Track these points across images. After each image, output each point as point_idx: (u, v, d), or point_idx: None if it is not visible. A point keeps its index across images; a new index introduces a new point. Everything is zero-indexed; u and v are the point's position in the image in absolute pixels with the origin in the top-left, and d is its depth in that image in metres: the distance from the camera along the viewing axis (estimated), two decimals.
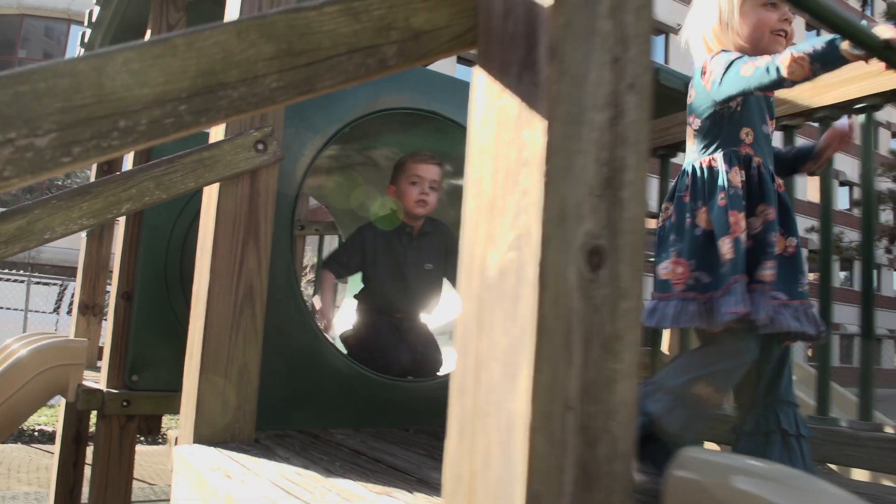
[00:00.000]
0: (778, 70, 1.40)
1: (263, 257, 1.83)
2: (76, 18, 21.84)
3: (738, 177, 1.55)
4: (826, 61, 1.37)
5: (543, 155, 0.71)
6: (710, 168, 1.59)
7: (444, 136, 2.65)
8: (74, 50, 4.28)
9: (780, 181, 1.62)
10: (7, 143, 0.62)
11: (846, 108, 1.93)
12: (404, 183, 2.62)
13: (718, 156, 1.59)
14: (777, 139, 1.89)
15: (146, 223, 2.85)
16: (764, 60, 1.45)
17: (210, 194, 1.82)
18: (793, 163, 1.81)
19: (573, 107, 0.73)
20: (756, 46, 1.62)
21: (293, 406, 2.03)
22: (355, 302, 2.70)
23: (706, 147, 1.63)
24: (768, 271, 1.49)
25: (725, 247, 1.48)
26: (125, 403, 2.85)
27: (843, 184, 35.94)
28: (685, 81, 4.72)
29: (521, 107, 0.75)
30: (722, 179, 1.55)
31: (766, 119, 1.65)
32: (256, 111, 0.73)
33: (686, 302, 1.51)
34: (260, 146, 1.79)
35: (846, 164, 35.85)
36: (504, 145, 0.77)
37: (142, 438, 6.75)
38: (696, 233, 1.55)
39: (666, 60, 29.71)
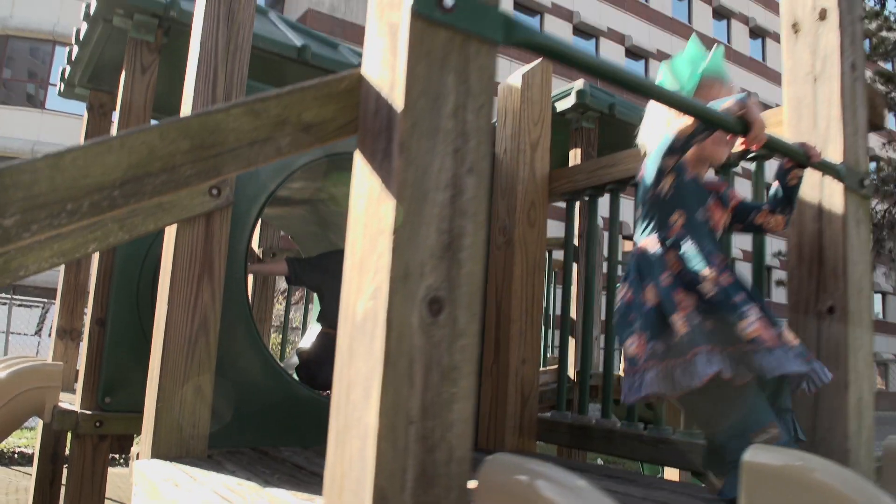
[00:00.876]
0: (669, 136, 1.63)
1: (217, 291, 2.04)
2: (61, 40, 22.04)
3: (673, 257, 1.70)
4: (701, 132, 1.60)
5: (392, 227, 0.94)
6: (650, 251, 1.73)
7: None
8: (58, 71, 4.49)
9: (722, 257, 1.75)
10: None
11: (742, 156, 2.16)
12: None
13: (654, 238, 1.75)
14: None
15: (119, 253, 3.04)
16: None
17: (169, 234, 2.04)
18: (770, 213, 1.86)
19: (418, 190, 0.96)
20: (701, 153, 1.78)
21: (246, 425, 2.24)
22: (318, 326, 2.90)
23: (645, 229, 1.78)
24: (748, 330, 1.56)
25: (678, 324, 1.61)
26: (98, 424, 3.02)
27: None
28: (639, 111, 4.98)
29: (381, 187, 0.98)
30: (661, 261, 1.69)
31: (708, 205, 1.79)
32: (174, 192, 0.96)
33: (647, 371, 1.64)
34: (214, 191, 2.01)
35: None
36: (370, 217, 1.00)
37: (119, 460, 6.87)
38: (646, 309, 1.68)
39: None
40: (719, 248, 1.80)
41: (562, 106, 4.95)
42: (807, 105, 1.86)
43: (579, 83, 5.32)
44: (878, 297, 37.29)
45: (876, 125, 1.97)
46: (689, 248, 1.69)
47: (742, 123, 1.58)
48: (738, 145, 1.75)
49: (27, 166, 0.87)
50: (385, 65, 1.02)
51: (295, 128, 1.04)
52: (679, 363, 1.58)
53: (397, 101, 0.98)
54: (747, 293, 1.62)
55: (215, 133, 0.98)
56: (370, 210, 1.00)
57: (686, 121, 1.61)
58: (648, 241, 1.76)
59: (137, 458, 1.99)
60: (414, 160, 0.96)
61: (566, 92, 5.06)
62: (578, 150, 4.97)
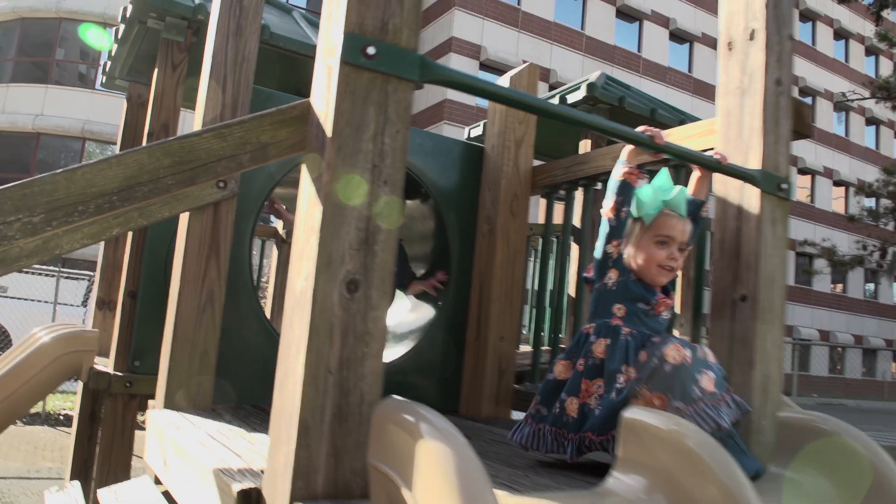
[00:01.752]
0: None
1: (222, 269, 2.37)
2: (111, 22, 22.76)
3: (600, 346, 1.89)
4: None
5: (319, 226, 1.24)
6: (587, 335, 1.97)
7: None
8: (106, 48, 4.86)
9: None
10: (17, 220, 1.16)
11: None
12: None
13: (592, 326, 1.97)
14: None
15: (149, 233, 3.40)
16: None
17: (182, 221, 2.37)
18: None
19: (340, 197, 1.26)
20: (644, 275, 1.96)
21: (247, 385, 2.57)
22: None
23: (591, 316, 2.02)
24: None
25: (571, 406, 1.88)
26: (128, 384, 3.40)
27: (837, 183, 35.12)
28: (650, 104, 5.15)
29: (315, 195, 1.28)
30: (587, 348, 1.93)
31: (648, 301, 1.94)
32: (158, 197, 1.27)
33: (528, 425, 1.96)
34: (221, 184, 2.33)
35: (841, 163, 35.07)
36: (307, 217, 1.30)
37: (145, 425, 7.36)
38: (550, 377, 1.97)
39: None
40: (658, 327, 1.98)
41: (573, 98, 5.16)
42: (735, 116, 2.09)
43: (593, 75, 5.53)
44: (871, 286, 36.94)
45: (802, 134, 2.20)
46: (627, 336, 1.89)
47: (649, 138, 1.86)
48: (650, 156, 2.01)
49: (49, 178, 1.19)
50: (322, 99, 1.32)
51: (254, 147, 1.35)
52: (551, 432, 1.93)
53: (328, 129, 1.28)
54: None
55: (191, 152, 1.29)
56: (308, 212, 1.30)
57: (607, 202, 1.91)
58: (589, 328, 1.98)
59: (152, 408, 2.34)
60: (338, 175, 1.26)
61: (577, 85, 5.27)
62: (589, 142, 5.18)
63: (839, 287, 34.64)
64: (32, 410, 8.38)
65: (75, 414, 4.56)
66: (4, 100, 22.85)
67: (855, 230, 15.27)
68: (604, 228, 1.99)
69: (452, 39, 23.59)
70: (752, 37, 2.09)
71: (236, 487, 1.36)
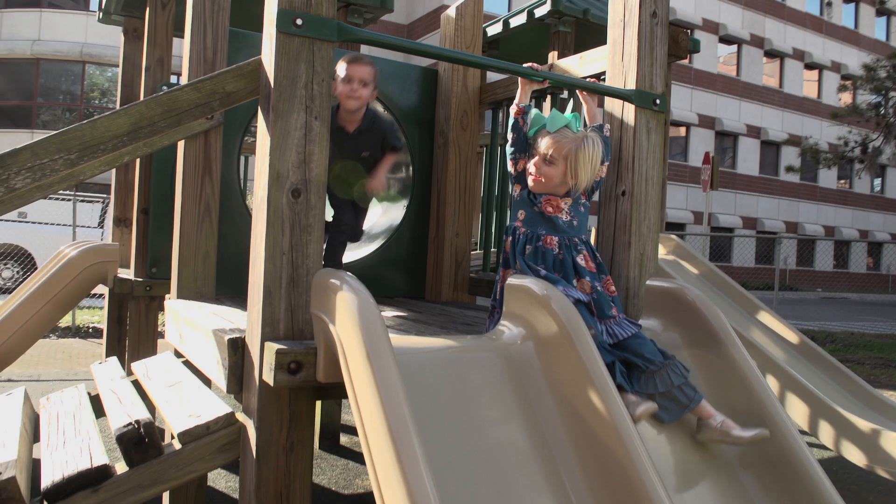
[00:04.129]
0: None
1: (216, 185, 2.92)
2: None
3: (507, 244, 2.35)
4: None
5: (268, 150, 1.77)
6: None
7: None
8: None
9: (585, 254, 2.30)
10: (59, 158, 1.71)
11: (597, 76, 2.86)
12: (337, 83, 2.86)
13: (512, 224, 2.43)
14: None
15: (156, 158, 3.91)
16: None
17: (180, 147, 2.90)
18: None
19: (283, 130, 1.79)
20: (535, 187, 2.33)
21: (244, 276, 3.15)
22: None
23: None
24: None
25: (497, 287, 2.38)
26: (148, 288, 4.01)
27: (809, 66, 33.47)
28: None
29: (265, 129, 1.81)
30: (503, 248, 2.41)
31: (535, 204, 2.33)
32: (154, 136, 1.80)
33: (491, 322, 2.33)
34: (209, 117, 2.84)
35: (815, 45, 33.11)
36: (262, 144, 1.83)
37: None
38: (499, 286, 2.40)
39: None
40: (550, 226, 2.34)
41: (539, 12, 5.51)
42: (618, 45, 2.56)
43: None
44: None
45: (679, 56, 2.66)
46: (523, 236, 2.34)
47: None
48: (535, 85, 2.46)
49: (78, 127, 1.73)
50: (268, 58, 1.83)
51: (221, 95, 1.87)
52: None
53: (272, 80, 1.79)
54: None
55: (175, 102, 1.82)
56: (261, 141, 1.84)
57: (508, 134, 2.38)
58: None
59: (168, 299, 2.94)
60: (280, 114, 1.79)
61: (542, 0, 5.62)
62: (555, 53, 5.56)
63: (845, 182, 34.68)
64: (63, 324, 9.16)
65: (104, 318, 5.22)
66: (0, 27, 22.90)
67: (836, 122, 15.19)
68: (507, 152, 2.45)
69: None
70: None
71: (227, 337, 1.96)
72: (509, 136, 2.43)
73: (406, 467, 1.32)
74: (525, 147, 2.41)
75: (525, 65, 2.39)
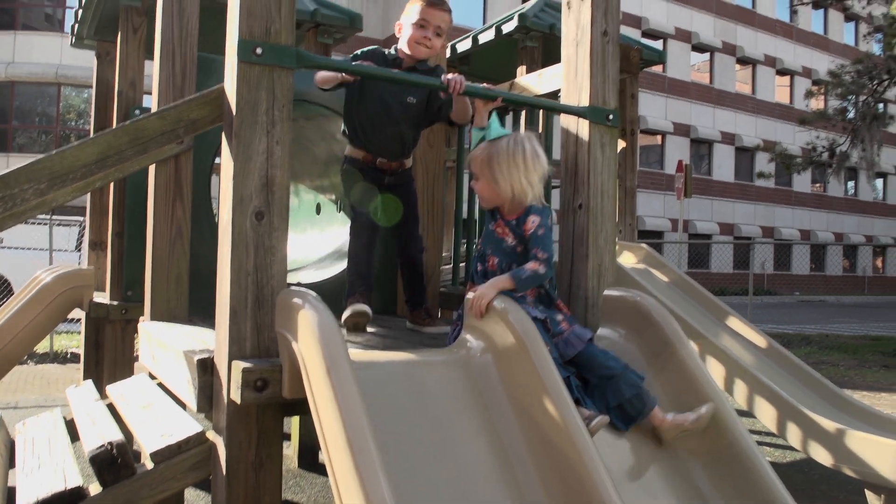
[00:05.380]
0: None
1: (187, 207, 2.97)
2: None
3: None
4: None
5: (232, 174, 1.84)
6: None
7: (308, 112, 3.68)
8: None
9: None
10: (30, 188, 1.76)
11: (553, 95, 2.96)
12: (410, 24, 2.63)
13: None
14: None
15: (129, 182, 3.95)
16: None
17: (151, 171, 2.96)
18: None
19: (246, 154, 1.86)
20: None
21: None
22: None
23: None
24: None
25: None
26: (124, 311, 4.04)
27: (781, 73, 34.05)
28: None
29: (229, 154, 1.88)
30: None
31: (496, 222, 2.33)
32: (122, 165, 1.86)
33: (455, 329, 2.31)
34: (179, 141, 2.90)
35: (786, 51, 33.54)
36: (227, 168, 1.90)
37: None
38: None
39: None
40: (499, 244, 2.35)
41: (507, 28, 5.64)
42: (572, 63, 2.66)
43: (527, 6, 5.98)
44: (880, 181, 37.21)
45: (631, 72, 2.77)
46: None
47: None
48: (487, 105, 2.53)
49: (47, 157, 1.79)
50: (230, 86, 1.91)
51: (186, 122, 1.94)
52: None
53: (234, 107, 1.86)
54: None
55: (142, 131, 1.88)
56: (226, 165, 1.91)
57: None
58: None
59: (142, 321, 2.99)
60: (243, 140, 1.86)
61: (510, 16, 5.74)
62: (523, 67, 5.67)
63: (819, 186, 35.22)
64: (41, 350, 9.10)
65: (81, 342, 5.22)
66: None
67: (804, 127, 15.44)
68: None
69: None
70: None
71: (197, 357, 2.01)
72: None
73: (364, 480, 1.39)
74: None
75: (480, 85, 2.48)
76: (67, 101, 23.59)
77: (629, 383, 2.12)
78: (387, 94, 2.73)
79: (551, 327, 2.18)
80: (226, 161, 1.91)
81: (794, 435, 3.75)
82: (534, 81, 3.05)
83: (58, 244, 10.95)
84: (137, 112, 3.99)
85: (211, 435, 2.05)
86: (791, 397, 3.89)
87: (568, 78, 2.68)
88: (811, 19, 34.75)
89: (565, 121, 2.67)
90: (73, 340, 9.95)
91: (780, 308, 20.51)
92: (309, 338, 1.63)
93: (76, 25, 5.16)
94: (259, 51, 1.86)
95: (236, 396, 1.83)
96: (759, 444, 5.03)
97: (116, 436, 2.10)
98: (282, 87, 1.91)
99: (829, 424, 3.61)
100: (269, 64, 1.88)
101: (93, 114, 5.27)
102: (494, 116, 2.38)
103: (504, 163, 2.23)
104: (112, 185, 4.18)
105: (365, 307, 2.73)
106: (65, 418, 2.84)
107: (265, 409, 1.94)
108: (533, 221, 2.27)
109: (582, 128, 2.60)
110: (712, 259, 27.71)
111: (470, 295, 2.15)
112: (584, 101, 2.59)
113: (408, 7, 2.69)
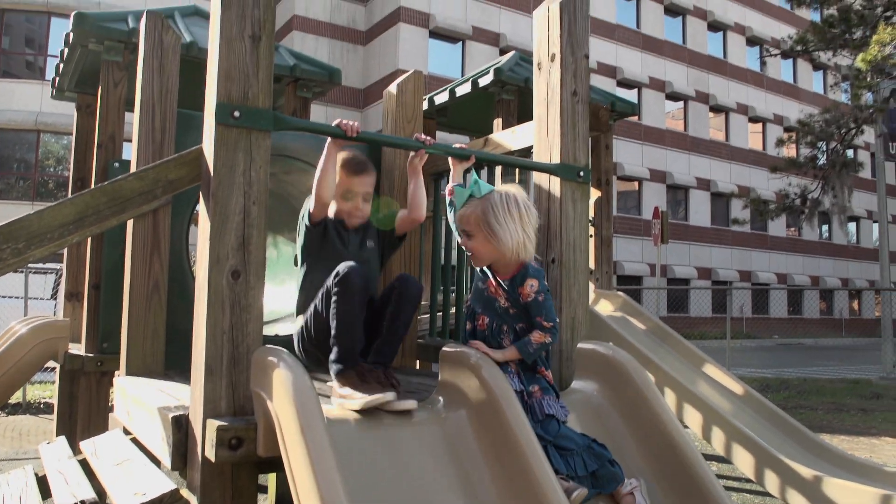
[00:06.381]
0: None
1: (164, 262, 2.99)
2: (55, 11, 22.68)
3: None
4: None
5: (209, 234, 1.88)
6: None
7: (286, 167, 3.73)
8: (55, 38, 5.35)
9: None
10: (7, 248, 1.79)
11: (525, 152, 3.05)
12: (338, 196, 2.55)
13: None
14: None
15: (107, 235, 3.96)
16: None
17: (129, 225, 2.98)
18: None
19: (223, 214, 1.90)
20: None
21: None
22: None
23: None
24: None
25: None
26: (99, 363, 4.01)
27: (753, 120, 34.60)
28: None
29: (206, 214, 1.91)
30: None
31: (489, 281, 2.30)
32: (100, 225, 1.89)
33: None
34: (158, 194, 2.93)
35: (757, 99, 34.30)
36: (203, 228, 1.93)
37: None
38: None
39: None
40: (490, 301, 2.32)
41: (483, 81, 5.77)
42: (544, 122, 2.74)
43: (502, 59, 6.14)
44: (853, 225, 37.93)
45: (601, 130, 2.86)
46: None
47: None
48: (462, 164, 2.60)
49: (25, 218, 1.82)
50: (208, 147, 1.95)
51: (164, 182, 1.98)
52: None
53: (212, 168, 1.91)
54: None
55: (119, 191, 1.92)
56: (203, 225, 1.94)
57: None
58: None
59: (118, 376, 2.98)
60: (220, 200, 1.90)
61: (486, 70, 5.88)
62: (500, 120, 5.79)
63: (794, 231, 35.78)
64: (14, 401, 8.92)
65: (55, 394, 5.16)
66: None
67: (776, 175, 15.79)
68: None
69: (401, 9, 23.92)
70: (552, 59, 2.73)
71: (171, 415, 2.02)
72: (449, 217, 2.43)
73: None
74: None
75: (455, 145, 2.55)
76: (46, 147, 23.57)
77: (593, 456, 2.11)
78: (349, 246, 2.61)
79: (526, 397, 2.16)
80: (203, 220, 1.95)
81: (771, 482, 3.78)
82: (508, 138, 3.13)
83: (33, 292, 10.83)
84: (117, 165, 4.02)
85: (185, 493, 2.04)
86: (768, 444, 3.93)
87: (539, 136, 2.76)
88: (780, 69, 35.74)
89: (538, 177, 2.74)
90: (46, 390, 9.77)
91: (759, 351, 20.64)
92: (283, 397, 1.65)
93: (57, 78, 5.21)
94: (237, 114, 1.92)
95: (211, 454, 1.83)
96: (738, 490, 5.05)
97: (89, 494, 2.09)
98: (259, 149, 1.96)
99: (806, 472, 3.64)
100: (247, 126, 1.94)
101: (72, 164, 5.29)
102: (474, 174, 2.41)
103: (501, 215, 2.21)
104: (90, 237, 4.19)
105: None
106: (37, 474, 2.81)
107: (240, 467, 1.95)
108: (531, 286, 2.22)
109: (554, 184, 2.67)
110: (691, 303, 27.91)
111: (446, 349, 2.18)
112: (556, 159, 2.67)
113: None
